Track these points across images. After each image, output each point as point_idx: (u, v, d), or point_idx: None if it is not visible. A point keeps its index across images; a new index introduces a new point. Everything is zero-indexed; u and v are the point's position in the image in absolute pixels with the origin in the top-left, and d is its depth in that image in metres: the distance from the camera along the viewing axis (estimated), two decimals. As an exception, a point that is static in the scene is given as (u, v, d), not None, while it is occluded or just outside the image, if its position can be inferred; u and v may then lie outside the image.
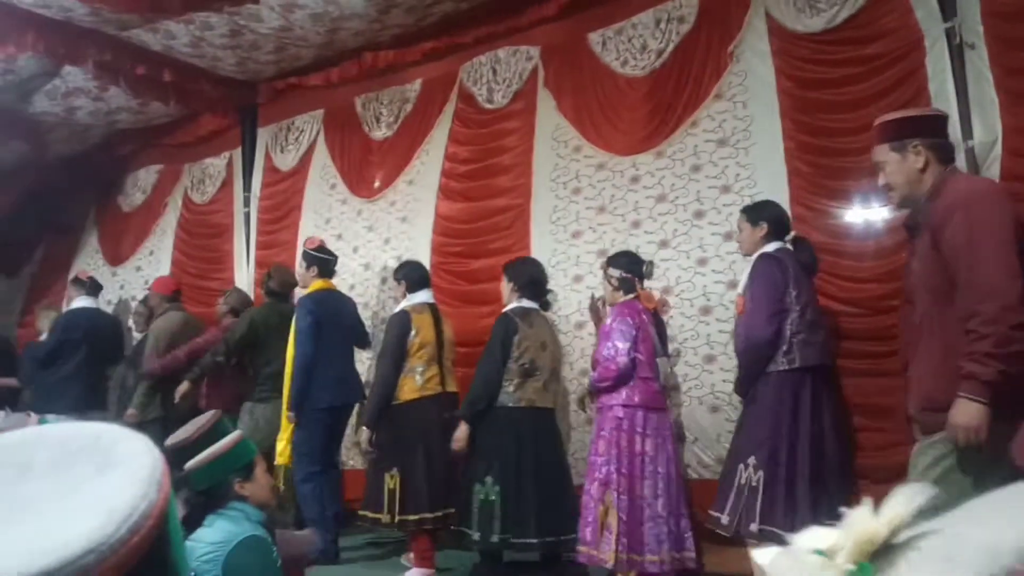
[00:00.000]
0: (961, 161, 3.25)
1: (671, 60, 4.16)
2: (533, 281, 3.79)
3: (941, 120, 2.47)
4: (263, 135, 5.90)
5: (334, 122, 5.53)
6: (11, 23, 4.48)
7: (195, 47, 5.15)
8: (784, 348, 3.02)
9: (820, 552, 0.50)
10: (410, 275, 4.08)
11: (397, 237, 5.07)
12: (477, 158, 4.81)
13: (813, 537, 0.51)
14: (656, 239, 4.05)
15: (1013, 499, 0.46)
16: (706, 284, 3.88)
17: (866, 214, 3.55)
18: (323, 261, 4.39)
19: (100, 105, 5.89)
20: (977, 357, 2.09)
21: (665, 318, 3.71)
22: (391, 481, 3.76)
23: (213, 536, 1.90)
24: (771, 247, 3.16)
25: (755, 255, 3.18)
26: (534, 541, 3.48)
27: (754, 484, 2.95)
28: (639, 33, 4.29)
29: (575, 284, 4.29)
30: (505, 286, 3.84)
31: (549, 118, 4.55)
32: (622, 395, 3.31)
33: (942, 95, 3.37)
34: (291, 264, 5.48)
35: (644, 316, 3.39)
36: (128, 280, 6.49)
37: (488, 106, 4.78)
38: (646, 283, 3.59)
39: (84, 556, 0.40)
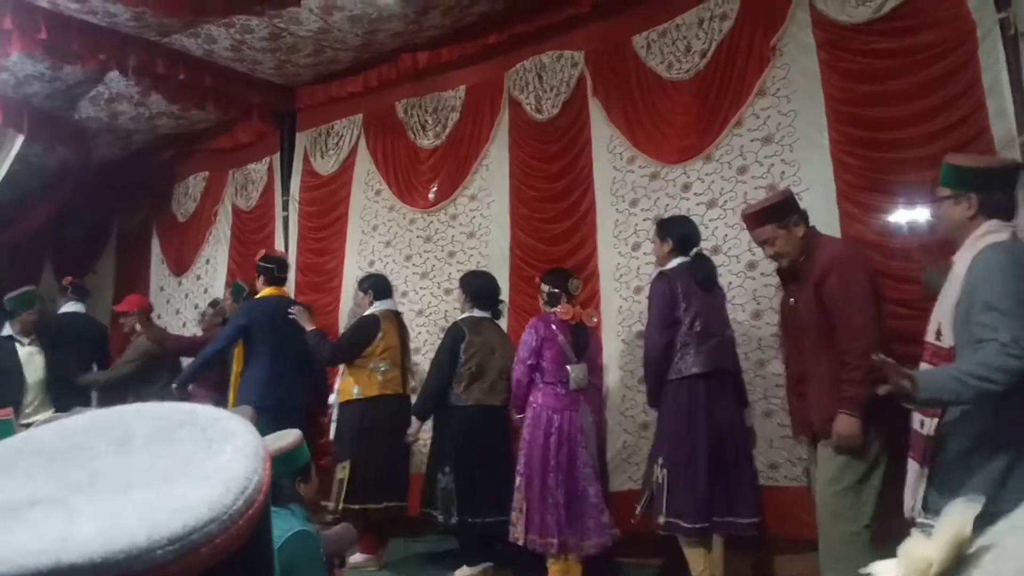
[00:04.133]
0: (1016, 156, 3.16)
1: (714, 60, 4.11)
2: (483, 292, 4.23)
3: (794, 198, 3.10)
4: (301, 139, 5.95)
5: (375, 127, 5.55)
6: (57, 30, 4.55)
7: (235, 51, 5.21)
8: (677, 358, 3.39)
9: None
10: (376, 285, 4.58)
11: (464, 251, 5.03)
12: (541, 178, 4.76)
13: (876, 569, 0.51)
14: (708, 245, 3.96)
15: None
16: (756, 288, 3.86)
17: (915, 211, 3.44)
18: (267, 270, 4.77)
19: (142, 111, 5.99)
20: (852, 383, 2.75)
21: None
22: (342, 472, 4.23)
23: None
24: (672, 263, 3.52)
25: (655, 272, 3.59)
26: (487, 520, 3.93)
27: (661, 481, 3.36)
28: (683, 35, 4.24)
29: (636, 295, 4.28)
30: (459, 297, 4.30)
31: (602, 130, 4.51)
32: (534, 398, 3.76)
33: (996, 88, 3.28)
34: (339, 271, 5.50)
35: (554, 327, 3.76)
36: (191, 290, 6.58)
37: (537, 116, 4.74)
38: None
39: (208, 523, 0.40)
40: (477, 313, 4.19)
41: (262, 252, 4.94)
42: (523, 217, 4.81)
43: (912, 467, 2.49)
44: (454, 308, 4.77)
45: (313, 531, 1.99)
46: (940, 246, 3.01)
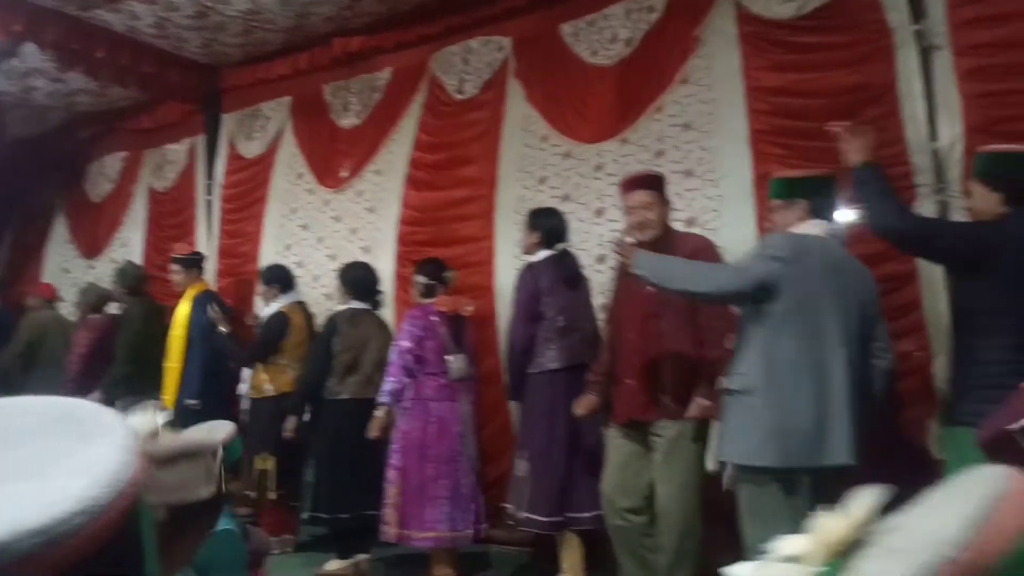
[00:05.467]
0: (928, 162, 3.29)
1: (639, 49, 4.13)
2: (360, 283, 4.20)
3: None
4: (227, 122, 5.79)
5: (302, 110, 5.45)
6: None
7: (159, 28, 5.06)
8: (539, 352, 3.43)
9: (793, 558, 0.54)
10: (281, 278, 4.57)
11: (364, 227, 5.01)
12: (445, 148, 4.76)
13: (787, 545, 0.55)
14: (620, 227, 3.98)
15: (959, 490, 0.48)
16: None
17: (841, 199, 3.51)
18: (198, 262, 4.94)
19: (59, 87, 5.79)
20: (713, 362, 2.87)
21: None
22: (261, 463, 4.23)
23: None
24: (539, 256, 3.56)
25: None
26: (360, 514, 3.89)
27: (523, 475, 3.42)
28: (610, 24, 4.27)
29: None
30: (338, 289, 4.30)
31: (518, 108, 4.51)
32: (412, 390, 3.74)
33: (910, 96, 3.38)
34: (253, 255, 5.41)
35: (434, 318, 3.78)
36: (105, 274, 6.32)
37: (458, 96, 4.73)
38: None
39: (74, 516, 0.41)
40: (355, 305, 4.16)
41: (185, 247, 4.99)
42: (418, 189, 4.79)
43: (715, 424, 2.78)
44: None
45: (237, 528, 1.91)
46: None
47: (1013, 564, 0.43)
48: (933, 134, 3.32)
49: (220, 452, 1.28)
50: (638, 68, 4.11)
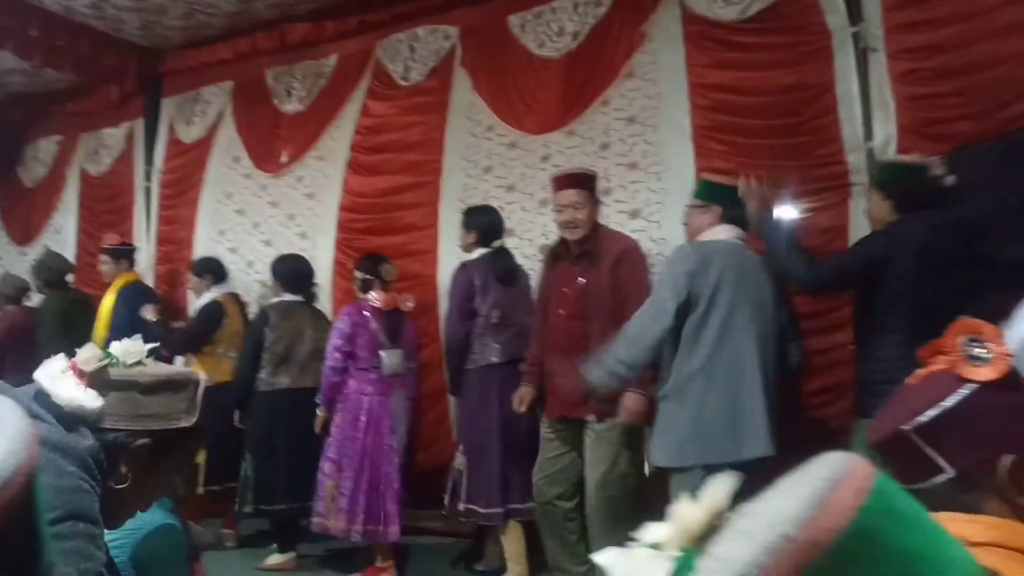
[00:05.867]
0: (863, 162, 3.38)
1: (586, 42, 4.16)
2: (294, 276, 4.21)
3: None
4: (167, 106, 5.64)
5: (243, 95, 5.33)
6: None
7: (96, 8, 4.89)
8: (475, 347, 3.52)
9: (653, 545, 0.56)
10: (214, 269, 4.57)
11: (303, 214, 4.95)
12: (388, 134, 4.72)
13: (648, 532, 0.57)
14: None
15: (805, 475, 0.51)
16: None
17: (778, 194, 3.58)
18: (128, 253, 4.84)
19: (-11, 67, 5.55)
20: None
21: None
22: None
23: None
24: (475, 254, 3.64)
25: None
26: (283, 508, 3.92)
27: (461, 468, 3.50)
28: (557, 17, 4.28)
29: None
30: (271, 282, 4.30)
31: (464, 96, 4.49)
32: (346, 385, 3.79)
33: (847, 96, 3.47)
34: (188, 241, 5.30)
35: (366, 314, 3.81)
36: None
37: (403, 82, 4.70)
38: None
39: None
40: (288, 297, 4.16)
41: (115, 237, 4.91)
42: (360, 174, 4.75)
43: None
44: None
45: (178, 524, 1.87)
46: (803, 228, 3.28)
47: (847, 540, 0.46)
48: (868, 134, 3.40)
49: (202, 385, 1.30)
50: (584, 61, 4.13)
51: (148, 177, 5.64)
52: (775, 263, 2.78)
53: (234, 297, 4.58)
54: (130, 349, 1.23)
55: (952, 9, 3.26)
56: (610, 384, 2.77)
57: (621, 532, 3.08)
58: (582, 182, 3.18)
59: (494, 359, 3.51)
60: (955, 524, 0.84)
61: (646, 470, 3.08)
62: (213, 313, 4.40)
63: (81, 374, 1.17)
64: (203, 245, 5.21)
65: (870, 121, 3.41)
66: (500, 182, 4.27)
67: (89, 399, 1.14)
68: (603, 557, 0.58)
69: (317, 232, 4.81)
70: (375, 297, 3.84)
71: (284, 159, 5.05)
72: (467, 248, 3.72)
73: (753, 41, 3.71)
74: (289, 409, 3.93)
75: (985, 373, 0.90)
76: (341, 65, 4.99)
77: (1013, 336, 1.88)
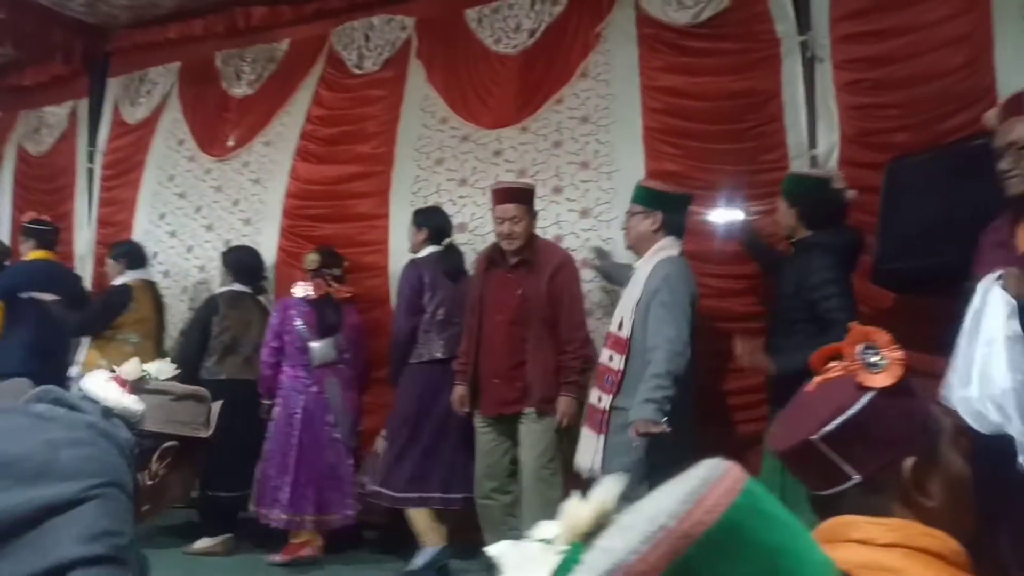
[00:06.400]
0: (807, 167, 3.43)
1: (542, 40, 4.17)
2: (244, 267, 4.22)
3: None
4: (113, 86, 5.49)
5: (191, 76, 5.22)
6: None
7: (40, -18, 4.74)
8: (420, 343, 3.61)
9: (545, 540, 0.59)
10: (129, 254, 4.48)
11: (247, 199, 4.86)
12: (340, 122, 4.67)
13: (541, 529, 0.60)
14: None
15: (683, 478, 0.55)
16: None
17: (720, 199, 3.64)
18: (40, 232, 4.59)
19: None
20: (574, 371, 3.19)
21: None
22: None
23: None
24: (425, 252, 3.72)
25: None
26: (233, 494, 3.95)
27: (381, 453, 3.63)
28: (514, 13, 4.28)
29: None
30: (220, 271, 4.30)
31: (418, 88, 4.46)
32: (280, 379, 3.85)
33: (793, 104, 3.53)
34: (128, 224, 5.18)
35: (291, 310, 3.86)
36: None
37: (356, 71, 4.65)
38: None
39: None
40: (237, 287, 4.15)
41: (30, 215, 4.75)
42: (309, 162, 4.69)
43: (589, 435, 2.94)
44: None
45: None
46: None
47: (716, 533, 0.50)
48: (812, 142, 3.48)
49: (216, 406, 1.54)
50: (540, 59, 4.14)
51: (91, 158, 5.49)
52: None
53: (148, 284, 4.50)
54: (163, 368, 1.49)
55: (895, 22, 3.35)
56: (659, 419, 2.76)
57: (552, 505, 3.11)
58: (520, 196, 3.32)
59: (437, 355, 3.59)
60: (862, 527, 0.88)
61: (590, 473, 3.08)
62: (118, 295, 4.31)
63: (123, 383, 1.39)
64: (142, 228, 5.10)
65: (814, 129, 3.48)
66: (452, 175, 4.25)
67: (132, 402, 1.36)
68: (494, 549, 0.60)
69: (262, 218, 4.74)
70: (300, 288, 3.86)
71: (231, 143, 4.96)
72: (416, 247, 3.77)
73: (704, 46, 3.77)
74: (232, 399, 3.86)
75: (882, 379, 0.92)
76: (293, 50, 4.91)
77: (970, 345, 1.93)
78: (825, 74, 3.48)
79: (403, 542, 3.67)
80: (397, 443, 3.58)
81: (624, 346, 2.88)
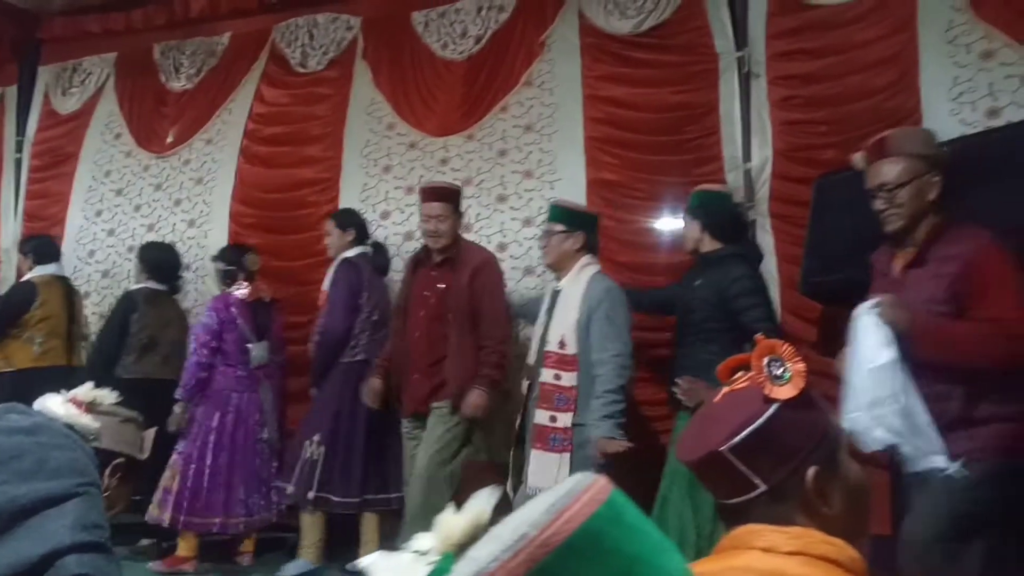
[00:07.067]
0: (740, 181, 3.53)
1: (488, 46, 4.19)
2: (161, 265, 4.15)
3: None
4: (44, 74, 5.31)
5: (127, 67, 5.09)
6: None
7: (-33, -36, 4.56)
8: (353, 343, 3.60)
9: (420, 551, 0.61)
10: (38, 249, 4.34)
11: (190, 199, 4.76)
12: (283, 121, 4.61)
13: (416, 541, 0.62)
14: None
15: (552, 491, 0.58)
16: (504, 269, 3.89)
17: (660, 208, 3.72)
18: None
19: None
20: (490, 365, 3.23)
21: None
22: None
23: None
24: (353, 252, 3.72)
25: (339, 258, 3.74)
26: (139, 498, 3.74)
27: (316, 458, 3.51)
28: (461, 18, 4.29)
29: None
30: (136, 267, 4.23)
31: (365, 92, 4.43)
32: (213, 380, 3.75)
33: (729, 117, 3.62)
34: (60, 218, 5.02)
35: (234, 308, 3.79)
36: None
37: (300, 69, 4.59)
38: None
39: None
40: (153, 285, 4.10)
41: None
42: (254, 164, 4.62)
43: (545, 456, 2.94)
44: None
45: None
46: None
47: (575, 541, 0.53)
48: (747, 155, 3.58)
49: (151, 432, 1.73)
50: (486, 66, 4.17)
51: (19, 148, 5.29)
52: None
53: (60, 281, 4.33)
54: (107, 394, 1.66)
55: (827, 42, 3.47)
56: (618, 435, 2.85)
57: (438, 506, 3.21)
58: (447, 196, 3.38)
59: (367, 356, 3.61)
60: (766, 535, 0.92)
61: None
62: (20, 293, 4.19)
63: (79, 404, 1.56)
64: (76, 224, 4.96)
65: (749, 143, 3.58)
66: (400, 183, 4.23)
67: (89, 420, 1.55)
68: (368, 559, 0.62)
69: (207, 221, 4.64)
70: (241, 289, 3.81)
71: (170, 139, 4.85)
72: (340, 248, 3.76)
73: (646, 57, 3.84)
74: (147, 399, 3.71)
75: (787, 391, 0.95)
76: (234, 44, 4.83)
77: (856, 355, 2.05)
78: (760, 90, 3.59)
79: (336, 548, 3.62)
80: (332, 446, 3.53)
81: (573, 363, 2.93)
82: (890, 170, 2.20)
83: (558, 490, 0.57)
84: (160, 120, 4.92)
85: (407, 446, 3.43)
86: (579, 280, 3.02)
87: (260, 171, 4.59)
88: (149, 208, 4.86)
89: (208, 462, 3.65)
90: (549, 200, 3.84)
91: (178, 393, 3.70)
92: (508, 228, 3.93)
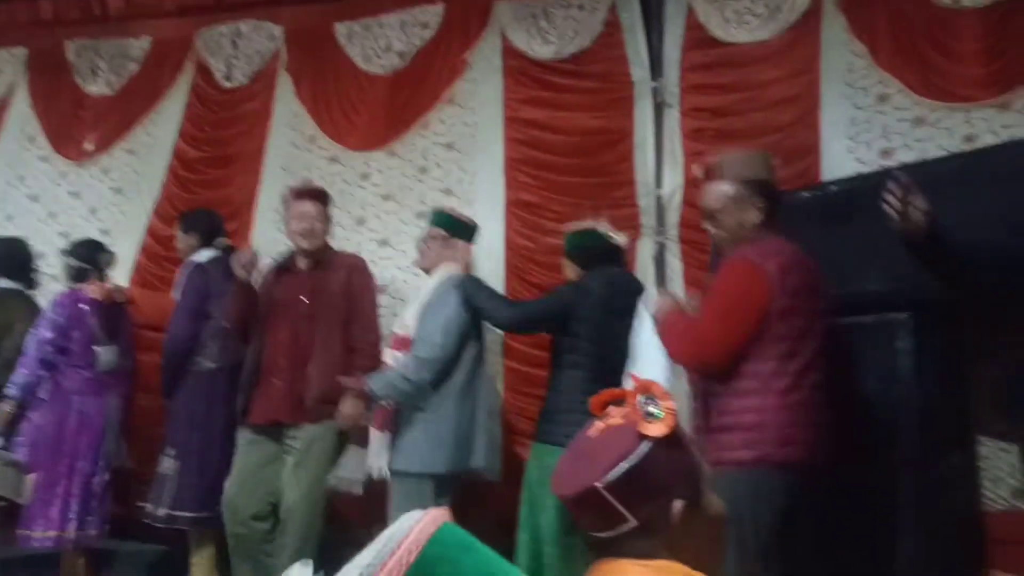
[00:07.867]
0: (652, 206, 3.65)
1: (412, 62, 4.22)
2: (8, 261, 3.86)
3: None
4: (-55, 69, 5.07)
5: (39, 65, 4.91)
6: None
7: None
8: (200, 351, 3.45)
9: None
10: None
11: (107, 209, 4.64)
12: (212, 141, 4.53)
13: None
14: (378, 237, 4.09)
15: (392, 527, 0.66)
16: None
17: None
18: None
19: None
20: (363, 369, 3.09)
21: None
22: None
23: None
24: (203, 255, 3.60)
25: (188, 262, 3.62)
26: None
27: (169, 473, 3.35)
28: (385, 33, 4.30)
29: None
30: None
31: (288, 105, 4.40)
32: (51, 382, 3.49)
33: (643, 145, 3.72)
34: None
35: (83, 306, 3.55)
36: None
37: (227, 84, 4.54)
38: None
39: None
40: (3, 283, 3.80)
41: None
42: (179, 177, 4.54)
43: (375, 435, 3.05)
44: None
45: None
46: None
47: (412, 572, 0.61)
48: (659, 182, 3.70)
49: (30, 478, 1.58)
50: (409, 82, 4.19)
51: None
52: (472, 303, 3.04)
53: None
54: None
55: (736, 78, 3.64)
56: (393, 396, 2.97)
57: (308, 551, 3.14)
58: (320, 197, 3.36)
59: (219, 363, 3.44)
60: (630, 568, 0.98)
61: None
62: None
63: None
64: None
65: (661, 170, 3.71)
66: (320, 197, 4.21)
67: None
68: None
69: (122, 231, 4.51)
70: (93, 288, 3.59)
71: (88, 147, 4.70)
72: (185, 252, 3.66)
73: (566, 82, 3.94)
74: None
75: (659, 429, 1.00)
76: (156, 50, 4.72)
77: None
78: (673, 120, 3.72)
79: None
80: (186, 460, 3.36)
81: (408, 344, 3.03)
82: (710, 194, 2.32)
83: (395, 527, 0.64)
84: (78, 125, 4.76)
85: (243, 456, 3.20)
86: (438, 277, 3.15)
87: (187, 193, 4.48)
88: (65, 216, 4.69)
89: (49, 471, 3.34)
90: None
91: (9, 391, 3.42)
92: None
